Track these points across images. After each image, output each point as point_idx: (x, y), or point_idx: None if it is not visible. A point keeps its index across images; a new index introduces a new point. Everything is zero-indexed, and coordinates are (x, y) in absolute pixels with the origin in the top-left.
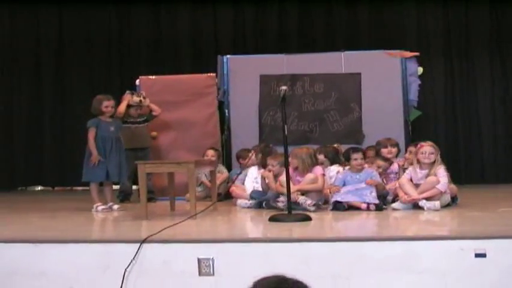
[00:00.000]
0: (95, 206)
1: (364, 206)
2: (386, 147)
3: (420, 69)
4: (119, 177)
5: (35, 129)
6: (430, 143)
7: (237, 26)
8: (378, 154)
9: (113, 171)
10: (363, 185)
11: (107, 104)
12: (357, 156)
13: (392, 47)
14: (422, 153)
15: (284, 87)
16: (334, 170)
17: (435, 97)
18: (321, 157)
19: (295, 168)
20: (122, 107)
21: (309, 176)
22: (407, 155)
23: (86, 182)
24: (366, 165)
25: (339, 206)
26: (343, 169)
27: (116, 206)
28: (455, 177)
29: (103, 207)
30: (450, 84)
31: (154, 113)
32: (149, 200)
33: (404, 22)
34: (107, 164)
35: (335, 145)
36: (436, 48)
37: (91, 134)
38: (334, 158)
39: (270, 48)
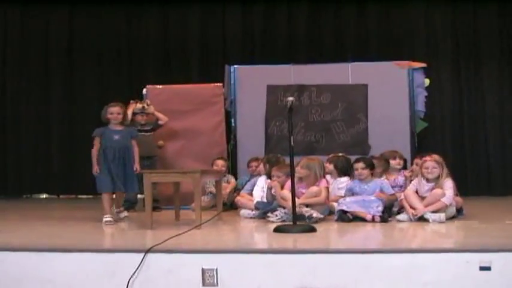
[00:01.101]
0: (104, 216)
1: (369, 217)
2: (395, 158)
3: (427, 81)
4: (125, 189)
5: (41, 137)
6: (434, 157)
7: (245, 35)
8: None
9: (117, 182)
10: (372, 197)
11: (112, 111)
12: (357, 166)
13: (401, 56)
14: (425, 168)
15: (291, 98)
16: (344, 181)
17: (442, 108)
18: (330, 167)
19: (300, 180)
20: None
21: (313, 188)
22: (414, 166)
23: (90, 191)
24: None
25: (343, 217)
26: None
27: (123, 214)
28: (462, 188)
29: (108, 219)
30: (458, 95)
31: (160, 122)
32: (154, 209)
33: (412, 31)
34: (111, 175)
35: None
36: (444, 59)
37: (95, 144)
38: (345, 169)
39: (278, 57)
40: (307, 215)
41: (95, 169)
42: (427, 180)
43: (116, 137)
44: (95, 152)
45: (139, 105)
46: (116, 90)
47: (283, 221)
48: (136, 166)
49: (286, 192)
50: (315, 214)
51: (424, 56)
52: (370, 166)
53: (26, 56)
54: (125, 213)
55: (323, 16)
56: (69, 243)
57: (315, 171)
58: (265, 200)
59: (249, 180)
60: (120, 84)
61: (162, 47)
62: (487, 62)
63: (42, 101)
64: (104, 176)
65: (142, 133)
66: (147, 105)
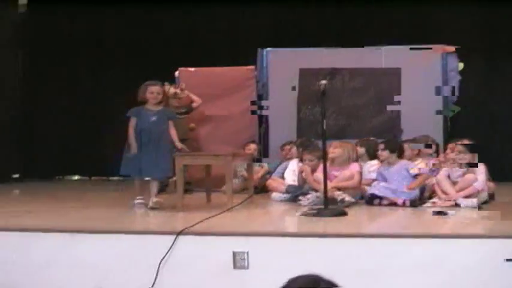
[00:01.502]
0: (136, 198)
1: (400, 201)
2: (427, 143)
3: (461, 65)
4: (152, 174)
5: (72, 119)
6: (464, 141)
7: (276, 19)
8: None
9: (146, 167)
10: (405, 189)
11: (152, 90)
12: (378, 148)
13: (434, 40)
14: (456, 154)
15: (324, 82)
16: (374, 164)
17: (476, 92)
18: (361, 150)
19: (332, 163)
20: None
21: (345, 173)
22: (448, 151)
23: (111, 173)
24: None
25: (373, 200)
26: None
27: (154, 200)
28: (495, 174)
29: (139, 201)
30: (491, 79)
31: (194, 104)
32: (186, 191)
33: (446, 13)
34: (140, 159)
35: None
36: (478, 43)
37: (130, 124)
38: (375, 152)
39: (310, 40)
40: (339, 198)
41: (133, 149)
42: (459, 164)
43: (153, 118)
44: (131, 132)
45: (172, 91)
46: (146, 72)
47: (315, 204)
48: (178, 144)
49: (320, 175)
50: (347, 198)
51: (458, 39)
52: (392, 149)
53: (54, 41)
54: (156, 200)
55: (354, 2)
56: (100, 225)
57: (348, 153)
58: (296, 183)
59: (280, 164)
60: (149, 66)
61: (192, 32)
62: None
63: (71, 82)
64: (131, 159)
65: (176, 116)
66: (181, 90)
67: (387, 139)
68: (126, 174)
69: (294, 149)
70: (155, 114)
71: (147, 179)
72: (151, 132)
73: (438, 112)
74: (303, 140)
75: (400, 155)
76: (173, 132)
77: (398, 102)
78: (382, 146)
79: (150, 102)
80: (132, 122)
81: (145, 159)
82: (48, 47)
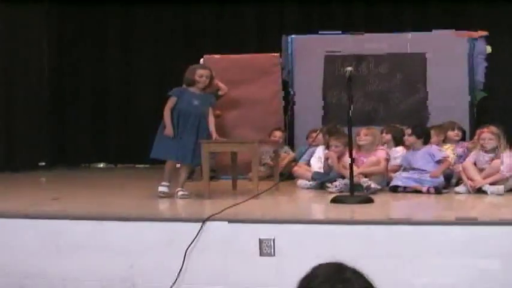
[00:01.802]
0: (161, 183)
1: (424, 188)
2: (453, 130)
3: (489, 48)
4: (190, 160)
5: (99, 107)
6: (491, 128)
7: (302, 4)
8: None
9: (183, 152)
10: (428, 176)
11: (202, 73)
12: (405, 133)
13: (461, 25)
14: (482, 139)
15: (349, 68)
16: (399, 151)
17: (503, 78)
18: (387, 137)
19: (359, 149)
20: None
21: (372, 158)
22: (475, 138)
23: (148, 160)
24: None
25: (396, 189)
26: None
27: (180, 193)
28: None
29: (163, 189)
30: None
31: (220, 92)
32: (212, 178)
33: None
34: (177, 142)
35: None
36: (506, 27)
37: (168, 104)
38: (401, 139)
39: (336, 26)
40: (365, 185)
41: (169, 131)
42: (486, 151)
43: (196, 102)
44: (168, 111)
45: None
46: (172, 61)
47: (343, 191)
48: (214, 133)
49: (349, 160)
50: (373, 185)
51: (486, 24)
52: (418, 134)
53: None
54: (183, 193)
55: None
56: (126, 211)
57: (374, 136)
58: (322, 170)
59: (306, 151)
60: (176, 55)
61: (218, 19)
62: None
63: (98, 71)
64: (167, 141)
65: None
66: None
67: (414, 124)
68: (158, 157)
69: (320, 136)
70: (198, 97)
71: (178, 165)
72: (191, 115)
73: (464, 98)
74: (329, 126)
75: (427, 140)
76: (211, 120)
77: (425, 88)
78: (409, 131)
79: (197, 85)
80: (171, 101)
81: (182, 143)
82: (77, 36)
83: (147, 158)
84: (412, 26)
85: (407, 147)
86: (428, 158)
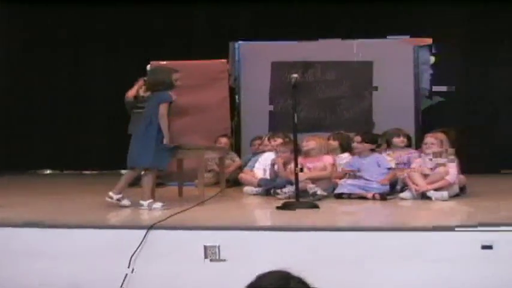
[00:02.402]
0: (146, 202)
1: (370, 195)
2: (398, 136)
3: (433, 58)
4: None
5: (45, 112)
6: (436, 134)
7: (252, 11)
8: (388, 144)
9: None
10: (375, 183)
11: (177, 77)
12: (354, 140)
13: (407, 32)
14: (424, 144)
15: (295, 75)
16: (345, 157)
17: (448, 86)
18: (334, 143)
19: (305, 155)
20: (133, 91)
21: (319, 164)
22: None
23: (95, 166)
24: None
25: (341, 196)
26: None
27: (126, 202)
28: (468, 166)
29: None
30: (464, 73)
31: None
32: (158, 185)
33: (419, 6)
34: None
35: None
36: (452, 36)
37: (166, 111)
38: (348, 145)
39: (283, 33)
40: (311, 192)
41: (168, 140)
42: (431, 158)
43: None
44: (168, 120)
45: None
46: (120, 67)
47: (291, 198)
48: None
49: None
50: (319, 191)
51: (431, 32)
52: (369, 141)
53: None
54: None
55: None
56: (72, 219)
57: (321, 145)
58: (268, 177)
59: (252, 157)
60: (123, 61)
61: (167, 26)
62: (497, 39)
63: (46, 73)
64: (165, 149)
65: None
66: None
67: (364, 132)
68: (162, 167)
69: (266, 143)
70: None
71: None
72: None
73: (410, 105)
74: (274, 134)
75: (374, 148)
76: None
77: (370, 95)
78: (358, 139)
79: (173, 90)
80: (168, 108)
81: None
82: (28, 41)
83: (93, 164)
84: (364, 32)
85: (353, 154)
86: (375, 165)
